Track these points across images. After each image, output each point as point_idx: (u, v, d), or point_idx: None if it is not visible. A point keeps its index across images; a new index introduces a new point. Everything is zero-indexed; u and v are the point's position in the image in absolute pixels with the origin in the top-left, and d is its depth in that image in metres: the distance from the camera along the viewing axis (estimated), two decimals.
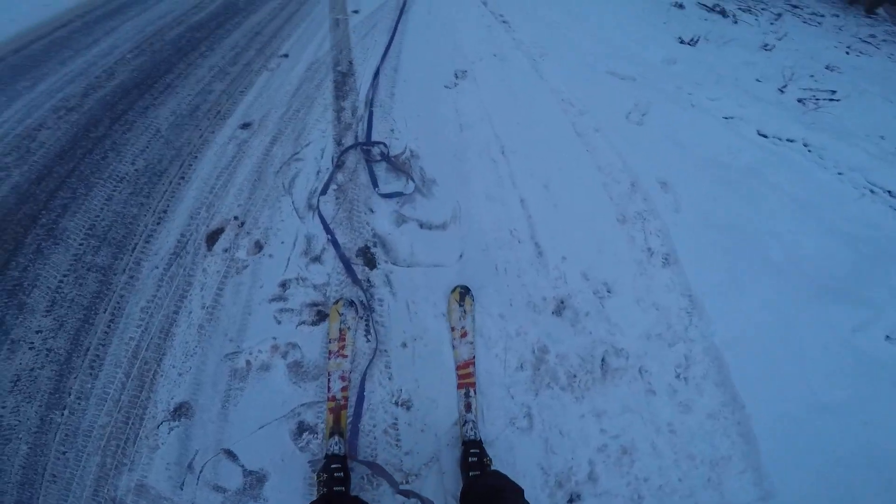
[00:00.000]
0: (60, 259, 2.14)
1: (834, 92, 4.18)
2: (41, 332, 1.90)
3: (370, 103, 3.04)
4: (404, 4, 4.56)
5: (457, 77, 3.49)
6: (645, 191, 2.58)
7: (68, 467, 1.60)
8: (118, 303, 1.99)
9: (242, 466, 1.60)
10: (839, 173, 3.05)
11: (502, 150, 2.81)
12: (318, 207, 2.33)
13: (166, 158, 2.64)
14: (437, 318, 1.97)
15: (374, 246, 2.21)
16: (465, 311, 1.94)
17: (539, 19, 4.74)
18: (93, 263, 2.12)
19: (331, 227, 2.27)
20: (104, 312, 1.95)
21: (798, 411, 1.75)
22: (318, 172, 2.51)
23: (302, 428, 1.68)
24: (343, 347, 1.83)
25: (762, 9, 7.35)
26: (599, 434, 1.69)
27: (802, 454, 1.65)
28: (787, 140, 3.32)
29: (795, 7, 8.39)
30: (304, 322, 1.94)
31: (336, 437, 1.59)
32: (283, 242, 2.20)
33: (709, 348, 1.91)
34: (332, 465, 1.46)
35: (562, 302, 2.06)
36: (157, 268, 2.11)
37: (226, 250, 2.18)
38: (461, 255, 2.20)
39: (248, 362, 1.82)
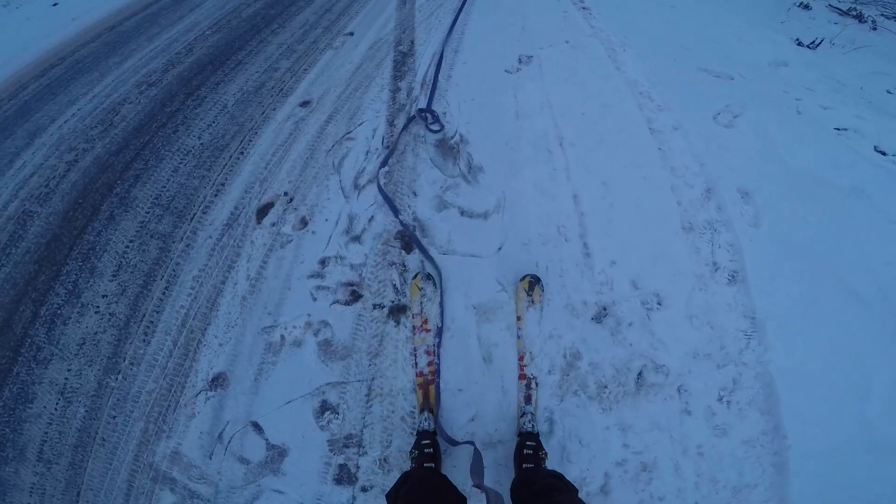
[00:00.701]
0: (129, 225, 2.44)
1: None
2: (107, 296, 2.18)
3: (433, 81, 3.07)
4: None
5: (520, 62, 3.41)
6: (721, 199, 2.39)
7: (116, 431, 1.79)
8: (174, 270, 2.24)
9: (267, 440, 1.71)
10: None
11: (560, 141, 2.70)
12: (378, 176, 2.42)
13: (229, 133, 2.86)
14: (467, 309, 2.00)
15: (414, 229, 2.26)
16: (532, 301, 1.96)
17: (627, 8, 4.49)
18: (156, 231, 2.40)
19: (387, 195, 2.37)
20: (161, 279, 2.21)
21: (843, 449, 1.62)
22: (367, 153, 2.62)
23: (325, 407, 1.77)
24: (426, 322, 1.93)
25: None
26: (621, 448, 1.67)
27: (835, 493, 1.54)
28: None
29: None
30: (338, 301, 2.07)
31: (426, 413, 1.65)
32: (326, 220, 2.36)
33: (762, 374, 1.80)
34: (423, 441, 1.52)
35: (604, 309, 1.99)
36: (210, 237, 2.35)
37: (273, 224, 2.38)
38: (500, 248, 2.19)
39: (282, 337, 1.95)
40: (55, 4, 6.27)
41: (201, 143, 2.82)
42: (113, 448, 1.75)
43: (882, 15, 5.80)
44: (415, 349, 1.84)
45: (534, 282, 1.99)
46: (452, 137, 2.73)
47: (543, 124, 2.81)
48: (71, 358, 1.95)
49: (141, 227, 2.37)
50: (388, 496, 1.21)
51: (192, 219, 2.40)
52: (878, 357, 1.84)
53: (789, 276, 2.09)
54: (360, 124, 2.83)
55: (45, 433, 1.78)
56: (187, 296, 2.10)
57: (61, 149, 2.89)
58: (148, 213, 2.44)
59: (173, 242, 2.29)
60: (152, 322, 2.02)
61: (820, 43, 4.25)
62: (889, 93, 3.71)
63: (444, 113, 2.91)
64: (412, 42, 3.64)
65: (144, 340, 1.97)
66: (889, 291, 2.06)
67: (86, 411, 1.83)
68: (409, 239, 2.21)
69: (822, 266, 2.15)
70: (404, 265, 2.14)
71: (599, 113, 2.92)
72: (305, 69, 3.41)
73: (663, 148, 2.68)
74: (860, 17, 5.44)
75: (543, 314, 1.95)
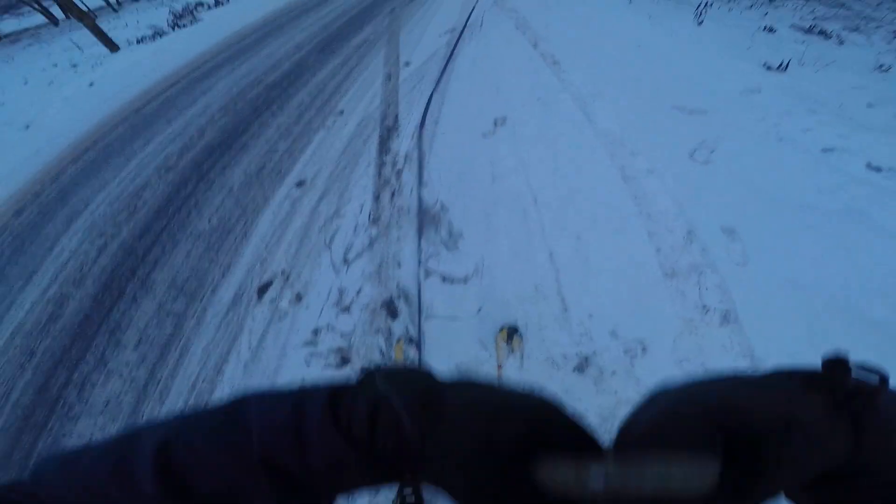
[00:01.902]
0: (149, 306, 2.74)
1: None
2: (129, 364, 2.45)
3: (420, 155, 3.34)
4: (453, 51, 4.85)
5: (495, 125, 3.67)
6: (704, 241, 2.43)
7: None
8: (186, 343, 2.50)
9: None
10: None
11: (535, 200, 2.86)
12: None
13: (234, 216, 3.17)
14: (450, 369, 2.14)
15: (399, 298, 2.46)
16: (512, 350, 2.06)
17: (596, 56, 4.73)
18: (171, 310, 2.69)
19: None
20: (175, 350, 2.47)
21: None
22: (355, 228, 2.87)
23: None
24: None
25: (876, 27, 6.28)
26: None
27: None
28: None
29: None
30: (329, 365, 2.25)
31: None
32: (318, 294, 2.57)
33: None
34: (404, 491, 1.35)
35: (585, 359, 2.05)
36: (217, 315, 2.60)
37: (272, 300, 2.61)
38: (480, 309, 2.33)
39: None
40: (91, 84, 6.92)
41: (210, 226, 3.14)
42: None
43: (845, 28, 5.81)
44: None
45: (512, 331, 2.07)
46: (434, 207, 2.96)
47: (518, 186, 2.98)
48: (97, 415, 2.22)
49: (159, 307, 2.68)
50: None
51: (202, 299, 2.67)
52: None
53: (789, 310, 2.05)
54: (349, 201, 3.10)
55: None
56: (197, 364, 2.34)
57: (93, 234, 3.28)
58: (165, 294, 2.75)
59: (186, 320, 2.57)
60: (167, 386, 2.26)
61: (788, 64, 4.27)
62: (871, 106, 3.63)
63: (427, 183, 3.15)
64: (396, 116, 3.99)
65: (160, 401, 2.21)
66: None
67: None
68: (394, 308, 2.48)
69: (824, 295, 2.10)
70: (389, 331, 2.32)
71: (571, 168, 3.04)
72: (301, 149, 3.76)
73: (638, 195, 2.76)
74: (825, 34, 5.45)
75: (524, 365, 2.03)
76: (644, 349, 2.02)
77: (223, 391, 2.24)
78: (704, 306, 2.13)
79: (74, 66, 8.66)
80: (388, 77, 4.79)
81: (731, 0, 7.26)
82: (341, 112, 4.25)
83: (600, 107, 3.73)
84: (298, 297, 2.57)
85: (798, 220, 2.51)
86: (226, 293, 2.69)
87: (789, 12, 6.74)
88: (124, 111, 5.55)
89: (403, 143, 3.58)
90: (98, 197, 3.70)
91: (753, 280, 2.20)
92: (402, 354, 2.15)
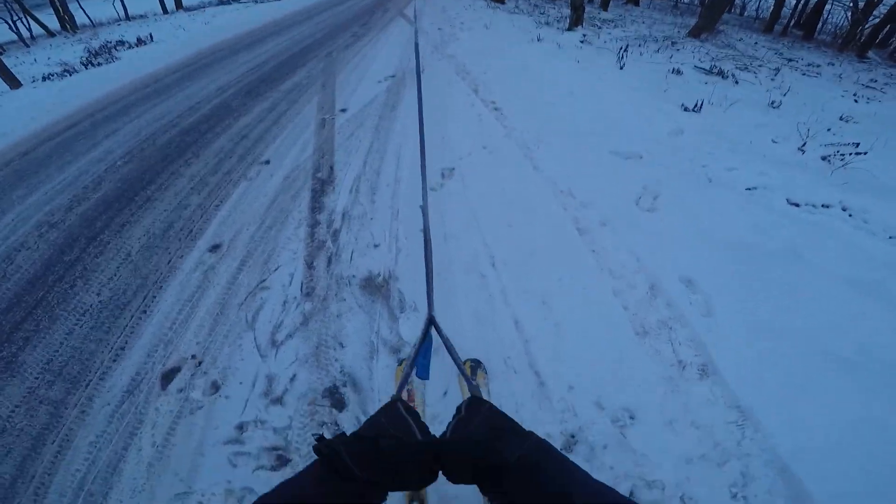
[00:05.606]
0: (14, 391, 2.21)
1: (857, 144, 4.11)
2: None
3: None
4: (414, 79, 4.70)
5: (443, 177, 3.51)
6: (667, 294, 2.41)
7: None
8: (67, 435, 2.02)
9: None
10: (890, 237, 2.82)
11: (492, 261, 2.68)
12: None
13: (131, 289, 2.68)
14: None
15: (344, 385, 2.10)
16: (477, 387, 1.83)
17: (533, 102, 4.90)
18: (45, 397, 2.19)
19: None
20: (52, 443, 2.00)
21: None
22: (284, 303, 2.46)
23: None
24: None
25: (759, 66, 7.71)
26: None
27: None
28: (823, 206, 3.12)
29: (790, 60, 8.98)
30: (261, 467, 1.85)
31: None
32: (241, 383, 2.15)
33: (771, 461, 1.75)
34: None
35: (572, 437, 1.88)
36: (108, 404, 2.13)
37: (180, 390, 2.16)
38: (445, 393, 2.04)
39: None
40: None
41: (100, 301, 2.58)
42: None
43: (737, 68, 7.02)
44: None
45: (475, 365, 1.90)
46: (379, 275, 2.65)
47: (473, 244, 2.81)
48: None
49: (29, 392, 2.17)
50: None
51: (87, 385, 2.18)
52: (888, 412, 1.84)
53: (763, 356, 2.11)
54: (276, 269, 2.69)
55: None
56: (84, 460, 1.90)
57: None
58: (37, 378, 2.23)
59: (66, 408, 2.10)
60: (43, 483, 1.84)
61: (702, 105, 4.81)
62: (775, 142, 4.17)
63: (377, 245, 2.84)
64: (331, 168, 3.68)
65: (35, 501, 1.79)
66: (867, 346, 2.11)
67: None
68: (340, 397, 2.09)
69: (793, 337, 2.19)
70: (336, 424, 1.98)
71: (526, 221, 2.97)
72: (217, 205, 3.31)
73: (596, 249, 2.73)
74: (722, 74, 6.43)
75: None
76: (632, 416, 1.93)
77: (122, 493, 1.80)
78: (680, 362, 2.12)
79: None
80: (323, 124, 4.52)
81: (642, 45, 8.25)
82: (267, 161, 3.86)
83: (545, 154, 3.76)
84: (215, 387, 2.13)
85: (746, 263, 2.62)
86: (119, 379, 2.20)
87: (689, 54, 7.86)
88: (7, 154, 4.82)
89: (341, 199, 3.25)
90: None
91: (722, 329, 2.23)
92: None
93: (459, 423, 0.74)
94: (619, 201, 3.12)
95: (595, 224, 2.91)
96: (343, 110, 4.85)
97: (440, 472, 0.67)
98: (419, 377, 1.07)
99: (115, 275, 2.76)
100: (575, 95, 5.05)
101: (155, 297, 2.59)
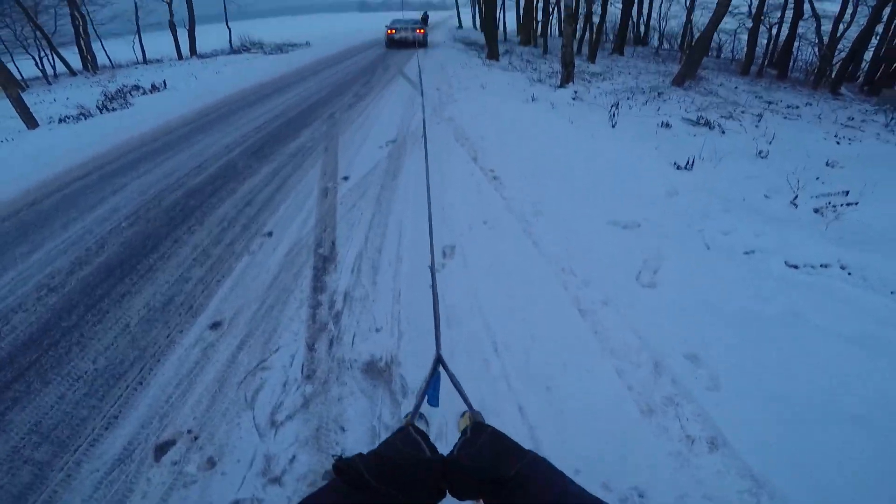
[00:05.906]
0: None
1: (847, 193, 4.20)
2: None
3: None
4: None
5: (444, 256, 3.55)
6: (671, 370, 2.43)
7: None
8: (50, 497, 1.98)
9: None
10: (892, 292, 2.84)
11: (495, 347, 2.67)
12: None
13: (128, 360, 2.67)
14: None
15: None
16: (480, 414, 1.91)
17: (529, 167, 5.01)
18: (30, 457, 2.16)
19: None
20: None
21: None
22: (284, 384, 2.47)
23: None
24: None
25: (742, 112, 8.00)
26: None
27: None
28: (821, 266, 3.14)
29: (770, 103, 9.46)
30: None
31: None
32: (238, 461, 2.11)
33: None
34: None
35: None
36: (98, 471, 2.09)
37: (174, 463, 2.12)
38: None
39: None
40: None
41: (95, 369, 2.55)
42: None
43: (722, 117, 7.31)
44: None
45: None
46: (381, 360, 2.63)
47: (475, 329, 2.79)
48: None
49: (13, 451, 2.15)
50: None
51: (75, 451, 2.14)
52: None
53: (771, 424, 2.11)
54: (277, 350, 2.68)
55: None
56: None
57: None
58: (23, 439, 2.20)
59: (51, 471, 2.05)
60: None
61: (693, 162, 4.94)
62: (767, 197, 4.23)
63: (378, 329, 2.81)
64: (333, 243, 3.73)
65: None
66: (875, 402, 2.14)
67: None
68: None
69: (800, 400, 2.20)
70: None
71: (527, 302, 2.98)
72: (219, 280, 3.32)
73: (598, 330, 2.74)
74: (709, 125, 6.68)
75: None
76: (641, 495, 1.91)
77: None
78: (689, 437, 2.12)
79: None
80: (325, 193, 4.65)
81: (630, 97, 8.60)
82: (269, 234, 3.93)
83: (544, 227, 3.84)
84: (211, 462, 2.10)
85: (748, 331, 2.65)
86: (110, 448, 2.15)
87: (675, 105, 8.21)
88: (17, 203, 4.90)
89: (343, 279, 3.28)
90: None
91: (729, 401, 2.23)
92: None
93: (465, 444, 0.80)
94: (619, 277, 3.16)
95: (597, 304, 2.94)
96: (345, 178, 5.00)
97: (447, 492, 0.75)
98: (430, 405, 1.22)
99: (113, 345, 2.75)
100: (571, 158, 5.22)
101: (152, 369, 2.57)
